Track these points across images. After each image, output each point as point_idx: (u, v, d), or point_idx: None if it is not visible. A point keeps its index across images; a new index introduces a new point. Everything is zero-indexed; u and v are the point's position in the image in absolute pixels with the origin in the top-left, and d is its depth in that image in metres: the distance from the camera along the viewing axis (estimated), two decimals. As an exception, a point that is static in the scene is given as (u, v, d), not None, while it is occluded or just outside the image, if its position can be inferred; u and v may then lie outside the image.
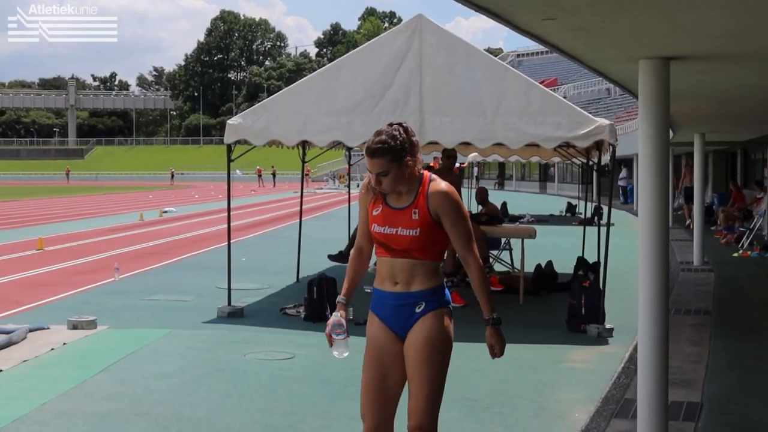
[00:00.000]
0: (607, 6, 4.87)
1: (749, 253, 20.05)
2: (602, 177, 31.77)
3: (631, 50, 6.48)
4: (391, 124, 4.75)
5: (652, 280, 6.58)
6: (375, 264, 4.97)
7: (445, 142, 11.75)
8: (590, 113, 12.55)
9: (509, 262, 15.06)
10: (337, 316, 4.82)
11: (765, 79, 8.77)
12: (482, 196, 16.29)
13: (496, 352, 4.85)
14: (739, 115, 14.79)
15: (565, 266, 14.91)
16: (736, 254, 20.01)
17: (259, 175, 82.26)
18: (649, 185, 6.64)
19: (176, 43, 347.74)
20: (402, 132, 4.69)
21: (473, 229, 13.90)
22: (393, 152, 4.62)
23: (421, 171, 4.82)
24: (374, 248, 4.87)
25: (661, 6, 4.95)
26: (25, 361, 9.36)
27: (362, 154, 5.36)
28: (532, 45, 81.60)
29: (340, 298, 4.89)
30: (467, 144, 12.10)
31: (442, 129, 11.42)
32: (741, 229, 22.71)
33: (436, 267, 4.81)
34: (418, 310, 4.73)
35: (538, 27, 5.62)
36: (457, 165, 15.91)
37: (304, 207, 16.98)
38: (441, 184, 4.77)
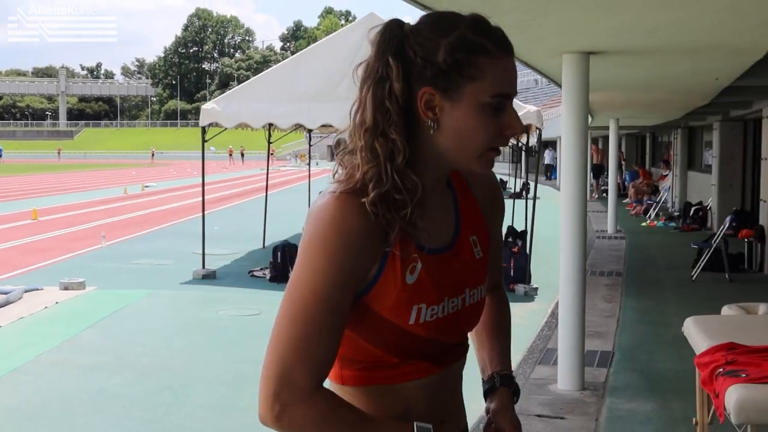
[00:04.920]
0: (535, 6, 4.89)
1: (656, 222, 20.26)
2: (530, 156, 31.89)
3: (555, 46, 6.51)
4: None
5: (571, 246, 6.64)
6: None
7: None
8: (520, 101, 12.64)
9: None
10: None
11: (672, 70, 8.84)
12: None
13: None
14: (649, 103, 14.91)
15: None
16: (644, 224, 20.21)
17: (230, 154, 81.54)
18: (569, 164, 6.70)
19: (156, 38, 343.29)
20: None
21: None
22: None
23: None
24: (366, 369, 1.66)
25: (582, 7, 4.97)
26: (21, 318, 9.30)
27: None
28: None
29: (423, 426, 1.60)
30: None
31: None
32: (649, 201, 22.97)
33: None
34: None
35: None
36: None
37: (269, 183, 16.90)
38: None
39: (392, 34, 1.57)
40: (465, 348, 1.77)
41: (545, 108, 45.55)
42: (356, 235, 1.52)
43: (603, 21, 5.39)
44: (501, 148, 1.58)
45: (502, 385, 1.86)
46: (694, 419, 5.22)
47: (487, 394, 1.87)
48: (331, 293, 1.52)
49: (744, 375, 3.96)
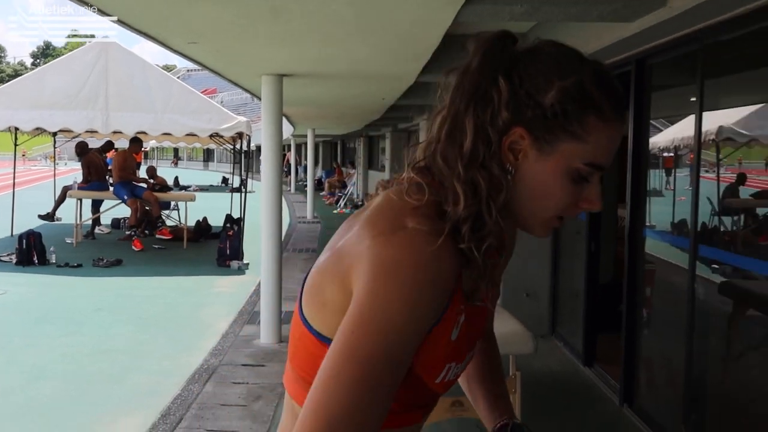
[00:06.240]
0: (231, 35, 4.86)
1: (344, 210, 20.88)
2: (246, 158, 31.72)
3: (255, 68, 6.51)
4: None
5: (270, 229, 6.69)
6: None
7: (126, 131, 11.39)
8: (239, 114, 12.67)
9: (177, 218, 14.72)
10: None
11: (349, 91, 9.12)
12: (152, 172, 15.85)
13: None
14: (336, 117, 15.33)
15: (217, 221, 14.75)
16: (335, 211, 20.73)
17: (-16, 155, 74.54)
18: (267, 164, 6.73)
19: None
20: None
21: (152, 197, 13.38)
22: None
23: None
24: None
25: (267, 39, 5.01)
26: None
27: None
28: (197, 63, 78.87)
29: None
30: (144, 133, 11.69)
31: (124, 121, 11.01)
32: (339, 194, 23.61)
33: None
34: None
35: (186, 48, 5.51)
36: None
37: (19, 180, 15.61)
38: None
39: (505, 48, 1.11)
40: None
41: (258, 119, 45.48)
42: (444, 282, 1.03)
43: (286, 51, 5.46)
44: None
45: None
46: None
47: None
48: (405, 350, 1.02)
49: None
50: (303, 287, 1.16)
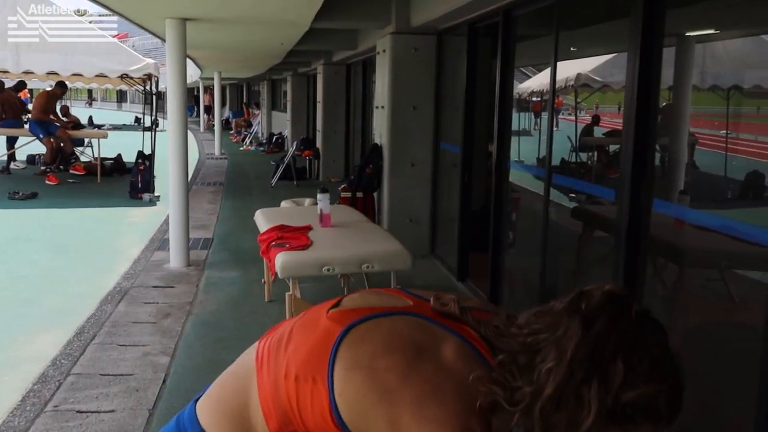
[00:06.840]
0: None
1: (250, 147, 20.49)
2: (158, 99, 30.41)
3: (159, 12, 6.21)
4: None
5: (177, 163, 6.51)
6: None
7: (37, 71, 10.78)
8: (151, 57, 12.15)
9: (91, 154, 14.10)
10: None
11: (251, 36, 8.85)
12: (65, 111, 15.07)
13: None
14: (240, 61, 14.88)
15: (130, 157, 14.18)
16: (242, 148, 20.32)
17: None
18: (173, 103, 6.50)
19: None
20: None
21: (66, 134, 12.85)
22: None
23: None
24: None
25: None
26: None
27: None
28: (109, 8, 74.18)
29: None
30: (55, 73, 11.07)
31: (35, 61, 10.39)
32: (245, 132, 23.12)
33: None
34: None
35: (91, -9, 5.20)
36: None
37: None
38: None
39: (629, 323, 1.05)
40: None
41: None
42: None
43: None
44: None
45: None
46: (263, 279, 5.47)
47: None
48: None
49: (287, 245, 4.19)
50: (343, 336, 1.17)
